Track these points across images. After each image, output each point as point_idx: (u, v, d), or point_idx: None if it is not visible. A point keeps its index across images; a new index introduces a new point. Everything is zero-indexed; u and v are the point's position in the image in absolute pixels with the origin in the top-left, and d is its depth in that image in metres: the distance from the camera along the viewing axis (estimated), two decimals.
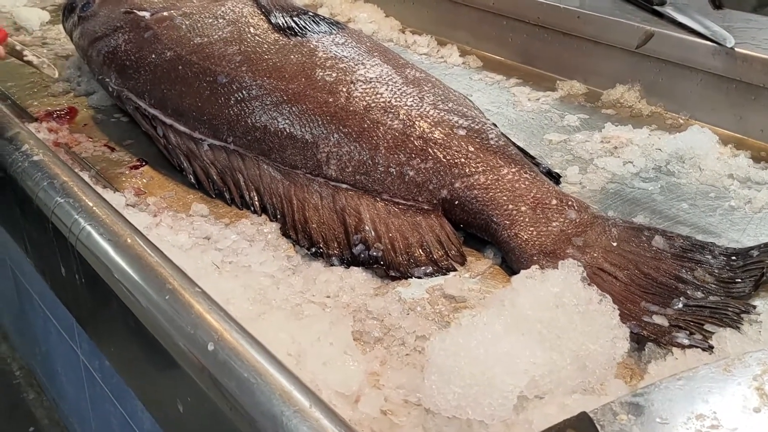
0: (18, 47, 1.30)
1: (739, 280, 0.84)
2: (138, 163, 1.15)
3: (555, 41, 1.53)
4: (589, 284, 0.76)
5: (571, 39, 1.50)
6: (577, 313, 0.71)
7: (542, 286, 0.73)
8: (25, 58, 1.31)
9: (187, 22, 1.21)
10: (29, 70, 1.41)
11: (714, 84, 1.30)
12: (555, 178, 1.11)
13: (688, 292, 0.83)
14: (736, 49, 1.25)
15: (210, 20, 1.21)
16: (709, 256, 0.88)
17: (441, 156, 1.00)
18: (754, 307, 0.81)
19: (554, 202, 0.96)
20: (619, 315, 0.76)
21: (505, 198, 0.96)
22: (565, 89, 1.46)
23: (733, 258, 0.87)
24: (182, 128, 1.12)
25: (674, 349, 0.75)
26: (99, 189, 1.00)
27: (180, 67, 1.15)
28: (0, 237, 1.53)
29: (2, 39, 1.03)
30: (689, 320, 0.79)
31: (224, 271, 0.89)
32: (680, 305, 0.81)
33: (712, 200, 1.08)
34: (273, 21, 1.20)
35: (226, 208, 1.04)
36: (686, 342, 0.76)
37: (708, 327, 0.78)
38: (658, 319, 0.80)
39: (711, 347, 0.75)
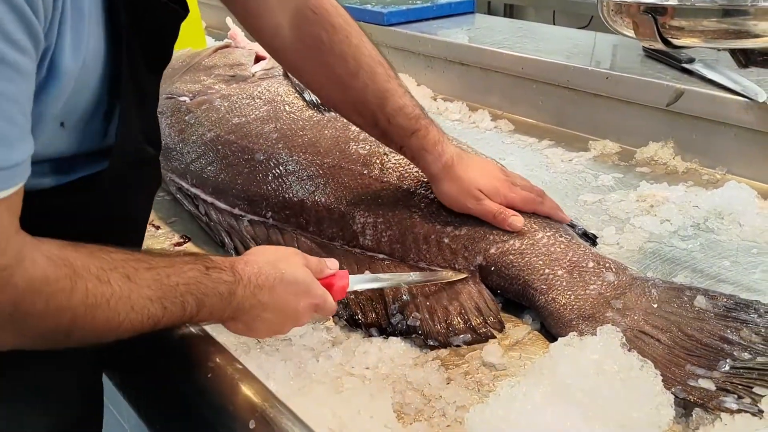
0: None
1: None
2: (181, 240, 1.19)
3: (586, 102, 1.54)
4: (629, 350, 0.75)
5: (602, 99, 1.51)
6: (618, 380, 0.70)
7: (581, 354, 0.72)
8: None
9: (225, 104, 1.26)
10: None
11: (749, 138, 1.29)
12: (591, 239, 1.11)
13: (735, 353, 0.81)
14: None
15: (247, 101, 1.26)
16: (755, 315, 0.86)
17: (475, 222, 1.01)
18: None
19: (591, 264, 0.95)
20: (663, 380, 0.74)
21: (541, 262, 0.96)
22: (598, 149, 1.46)
23: None
24: (223, 205, 1.16)
25: (723, 414, 0.73)
26: None
27: (219, 147, 1.19)
28: None
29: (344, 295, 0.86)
30: (737, 383, 0.77)
31: (265, 345, 0.90)
32: (727, 367, 0.79)
33: (754, 256, 1.06)
34: (307, 98, 1.24)
35: None
36: (734, 407, 0.74)
37: (757, 390, 0.75)
38: (705, 383, 0.77)
39: (761, 411, 0.73)
